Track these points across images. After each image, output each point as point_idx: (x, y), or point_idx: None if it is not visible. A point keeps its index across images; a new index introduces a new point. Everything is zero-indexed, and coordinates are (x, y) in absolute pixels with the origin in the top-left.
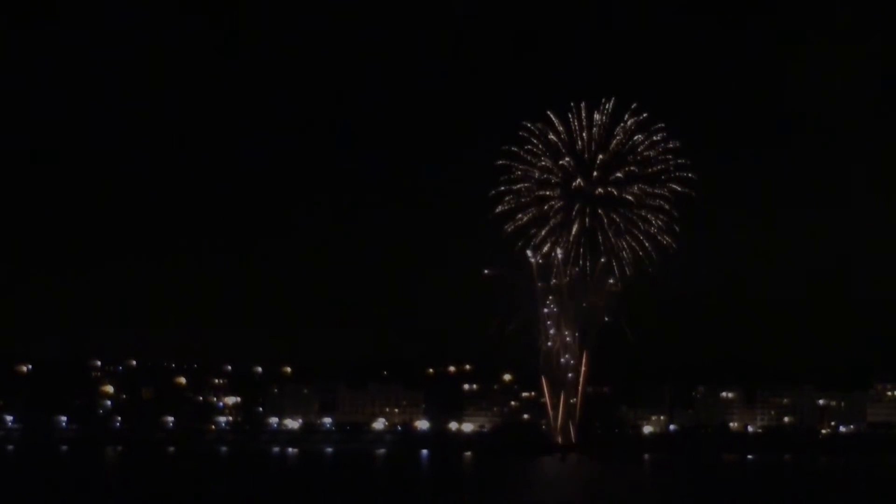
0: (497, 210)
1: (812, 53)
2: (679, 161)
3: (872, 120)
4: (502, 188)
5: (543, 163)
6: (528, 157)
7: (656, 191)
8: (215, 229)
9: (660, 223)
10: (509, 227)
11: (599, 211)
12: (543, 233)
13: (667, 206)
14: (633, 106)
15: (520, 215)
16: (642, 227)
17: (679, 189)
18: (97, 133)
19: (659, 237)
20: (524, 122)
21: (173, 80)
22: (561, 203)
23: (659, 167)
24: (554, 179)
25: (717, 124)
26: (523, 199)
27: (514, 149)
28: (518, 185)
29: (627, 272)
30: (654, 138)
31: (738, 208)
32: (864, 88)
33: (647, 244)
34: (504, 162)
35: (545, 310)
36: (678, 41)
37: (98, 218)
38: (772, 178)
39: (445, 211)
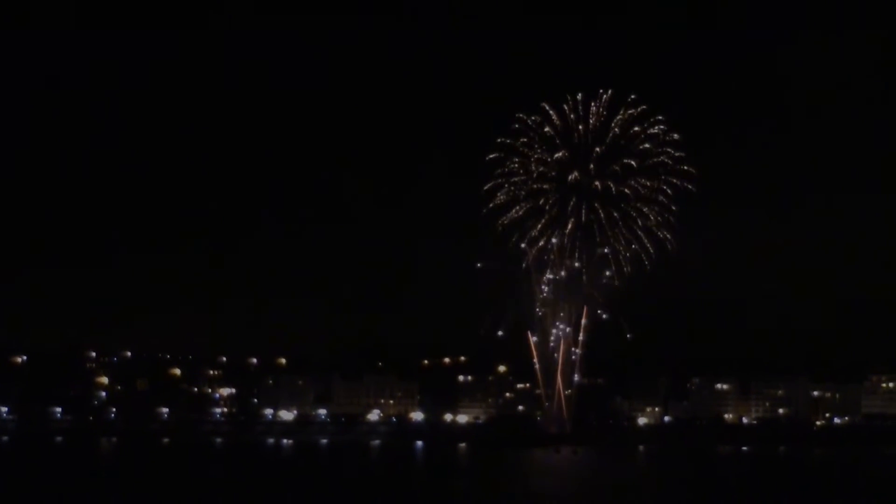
0: (491, 204)
1: (809, 44)
2: (677, 154)
3: (869, 114)
4: (498, 180)
5: (539, 155)
6: (524, 150)
7: (654, 184)
8: (212, 223)
9: (657, 217)
10: (504, 221)
11: (596, 205)
12: (539, 226)
13: (664, 200)
14: (631, 98)
15: (516, 208)
16: (639, 222)
17: (677, 182)
18: (93, 131)
19: (656, 231)
20: (519, 115)
21: (174, 81)
22: (557, 196)
23: (656, 159)
24: (550, 172)
25: (713, 118)
26: (520, 193)
27: (508, 141)
28: (513, 178)
29: (624, 266)
30: (652, 130)
31: (734, 201)
32: (862, 78)
33: (643, 238)
34: (498, 154)
35: (540, 302)
36: (675, 32)
37: (94, 211)
38: (767, 170)
39: (441, 203)
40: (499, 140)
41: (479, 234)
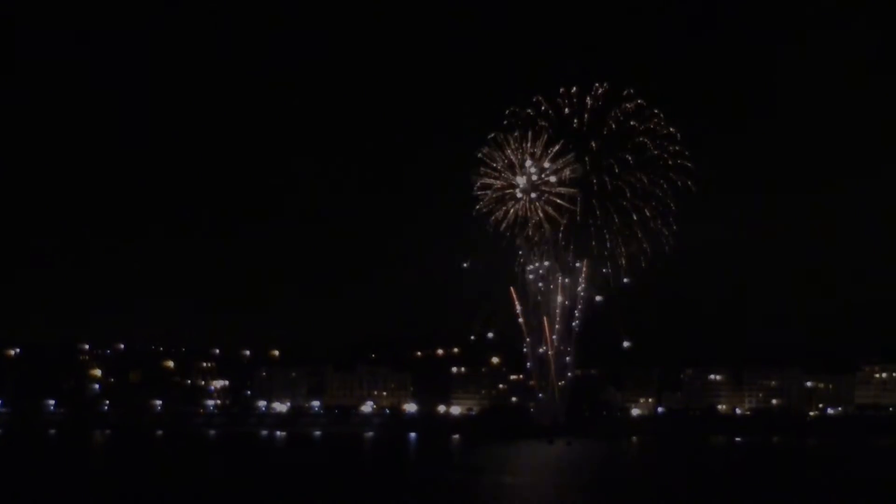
0: (481, 203)
1: (807, 40)
2: (673, 148)
3: (867, 110)
4: (487, 179)
5: (532, 151)
6: (514, 146)
7: (651, 178)
8: (205, 216)
9: (654, 212)
10: (495, 219)
11: (593, 200)
12: (533, 221)
13: (660, 194)
14: (628, 92)
15: (510, 204)
16: (635, 217)
17: (674, 177)
18: (89, 122)
19: (652, 225)
20: (513, 108)
21: (170, 73)
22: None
23: (652, 153)
24: (543, 168)
25: (710, 113)
26: (505, 192)
27: (503, 136)
28: (503, 175)
29: (620, 260)
30: (649, 125)
31: (730, 194)
32: (860, 73)
33: (639, 233)
34: (490, 150)
35: (534, 295)
36: (670, 26)
37: (87, 203)
38: (761, 163)
39: (437, 195)
40: (492, 135)
41: (471, 230)
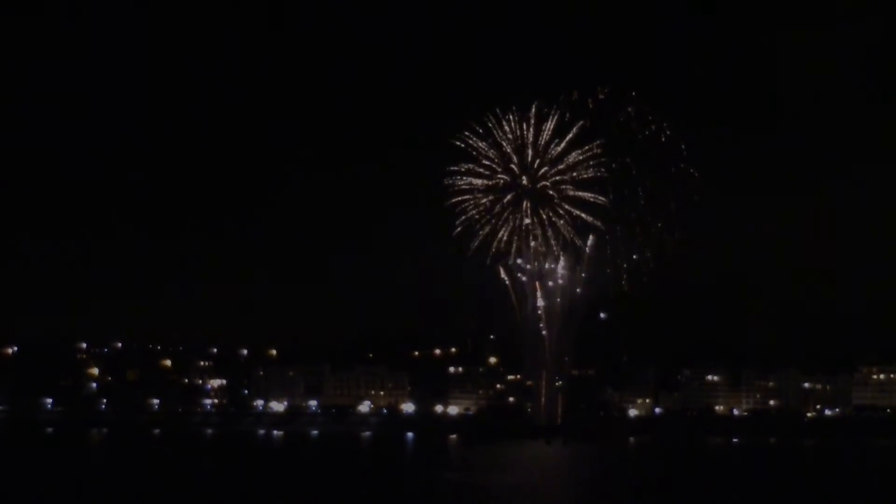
0: (462, 217)
1: (801, 38)
2: (677, 151)
3: (865, 111)
4: (484, 179)
5: (529, 153)
6: (509, 150)
7: (656, 183)
8: (202, 214)
9: (657, 218)
10: (494, 223)
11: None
12: (529, 223)
13: (662, 198)
14: (630, 94)
15: (509, 209)
16: (638, 227)
17: (676, 173)
18: (84, 116)
19: (654, 230)
20: (512, 112)
21: (168, 66)
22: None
23: (656, 155)
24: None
25: (710, 114)
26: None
27: (501, 133)
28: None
29: (622, 264)
30: (652, 129)
31: (728, 194)
32: (854, 72)
33: (640, 239)
34: (487, 145)
35: (533, 294)
36: (671, 28)
37: (84, 200)
38: (763, 165)
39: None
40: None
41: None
